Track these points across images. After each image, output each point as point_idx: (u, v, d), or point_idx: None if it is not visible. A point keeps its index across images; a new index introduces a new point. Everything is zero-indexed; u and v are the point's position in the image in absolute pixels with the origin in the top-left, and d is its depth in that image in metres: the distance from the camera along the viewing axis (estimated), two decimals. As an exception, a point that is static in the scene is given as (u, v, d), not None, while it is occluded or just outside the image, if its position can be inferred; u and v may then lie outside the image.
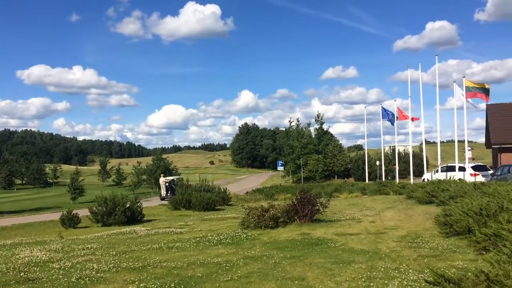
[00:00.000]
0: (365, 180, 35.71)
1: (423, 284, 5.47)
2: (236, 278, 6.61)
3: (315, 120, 50.31)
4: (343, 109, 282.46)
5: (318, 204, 13.41)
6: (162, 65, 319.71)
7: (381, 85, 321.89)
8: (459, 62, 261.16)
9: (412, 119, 27.69)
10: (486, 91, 21.41)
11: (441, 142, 25.29)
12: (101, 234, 13.71)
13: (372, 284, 5.89)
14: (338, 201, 23.77)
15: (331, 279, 6.32)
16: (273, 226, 12.28)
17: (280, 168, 48.89)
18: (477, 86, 21.48)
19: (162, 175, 35.66)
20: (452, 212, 10.36)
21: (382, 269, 6.70)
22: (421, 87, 26.76)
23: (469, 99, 21.55)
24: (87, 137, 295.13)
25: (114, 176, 78.45)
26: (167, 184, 31.77)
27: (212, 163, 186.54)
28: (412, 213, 14.65)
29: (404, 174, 39.98)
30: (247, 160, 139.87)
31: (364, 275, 6.36)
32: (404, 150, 49.52)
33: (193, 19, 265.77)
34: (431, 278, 4.70)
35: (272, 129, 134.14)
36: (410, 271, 6.53)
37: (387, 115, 29.29)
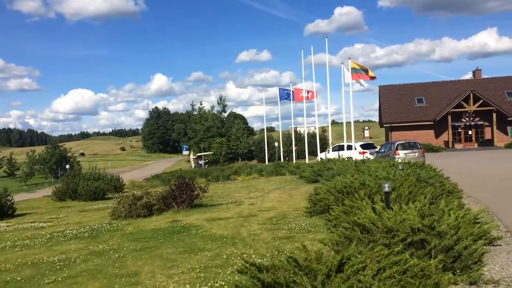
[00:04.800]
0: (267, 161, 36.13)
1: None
2: (61, 279, 5.87)
3: (218, 103, 49.59)
4: (257, 92, 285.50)
5: (198, 189, 12.97)
6: (67, 46, 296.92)
7: (294, 67, 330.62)
8: (364, 46, 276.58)
9: (310, 98, 28.16)
10: (371, 76, 22.31)
11: (346, 123, 25.90)
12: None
13: (204, 274, 5.49)
14: (234, 183, 23.66)
15: (166, 271, 5.82)
16: (147, 215, 11.60)
17: (186, 152, 47.94)
18: (362, 67, 22.28)
19: (192, 152, 45.01)
20: (319, 191, 10.44)
21: (226, 256, 6.36)
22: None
23: (355, 81, 22.30)
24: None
25: (5, 167, 71.45)
26: (194, 158, 42.39)
27: (123, 149, 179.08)
28: (295, 193, 14.80)
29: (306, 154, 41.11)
30: (159, 145, 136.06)
31: (203, 265, 5.96)
32: (308, 131, 50.83)
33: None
34: (245, 266, 4.36)
35: (183, 113, 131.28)
36: (253, 256, 6.26)
37: (284, 95, 29.63)
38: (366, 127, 73.34)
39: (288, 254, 6.03)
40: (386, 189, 6.89)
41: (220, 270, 5.60)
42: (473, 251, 4.84)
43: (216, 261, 6.13)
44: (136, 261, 6.57)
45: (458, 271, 4.58)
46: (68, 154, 53.99)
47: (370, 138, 62.73)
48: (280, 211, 10.85)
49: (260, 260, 5.89)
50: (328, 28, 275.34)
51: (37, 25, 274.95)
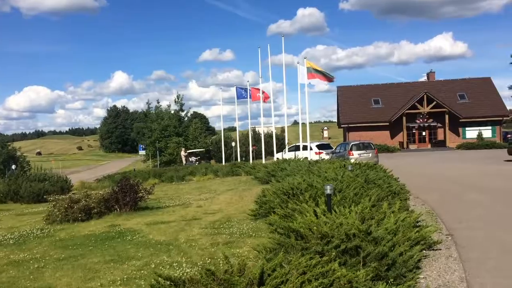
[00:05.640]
0: (226, 161, 35.58)
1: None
2: (-38, 295, 5.20)
3: (175, 102, 48.51)
4: (220, 91, 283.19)
5: (142, 191, 12.35)
6: (22, 41, 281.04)
7: (257, 68, 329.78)
8: (326, 48, 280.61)
9: (264, 100, 27.96)
10: (327, 77, 22.22)
11: (302, 123, 25.76)
12: None
13: (123, 288, 4.99)
14: (188, 184, 23.04)
15: (84, 284, 5.28)
16: (85, 219, 10.87)
17: (142, 152, 46.76)
18: (318, 68, 22.18)
19: (183, 149, 41.72)
20: (266, 192, 10.09)
21: (154, 266, 5.87)
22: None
23: (311, 80, 22.15)
24: None
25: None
26: (185, 156, 39.95)
27: (80, 148, 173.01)
28: (246, 195, 14.41)
29: (265, 154, 40.87)
30: (117, 145, 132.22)
31: (126, 276, 5.45)
32: (267, 131, 50.62)
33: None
34: (158, 280, 3.90)
35: (143, 111, 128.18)
36: (184, 265, 5.81)
37: (242, 94, 29.23)
38: (326, 128, 74.29)
39: (221, 262, 5.63)
40: (328, 191, 6.61)
41: (143, 283, 5.11)
42: (408, 258, 4.59)
43: (142, 272, 5.63)
44: (55, 272, 5.96)
45: (392, 280, 4.30)
46: (18, 154, 51.57)
47: (329, 138, 63.51)
48: (226, 214, 10.44)
49: (189, 270, 5.46)
50: (291, 29, 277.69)
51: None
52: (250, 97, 28.56)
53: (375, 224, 5.44)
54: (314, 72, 21.72)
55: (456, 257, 5.49)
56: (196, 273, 4.43)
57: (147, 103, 57.87)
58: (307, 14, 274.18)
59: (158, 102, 50.27)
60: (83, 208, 10.95)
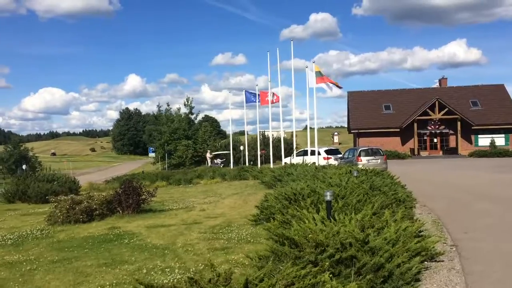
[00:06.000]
0: (234, 165, 35.48)
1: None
2: None
3: (184, 105, 48.59)
4: (232, 95, 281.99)
5: (145, 193, 12.25)
6: (38, 44, 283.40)
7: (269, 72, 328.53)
8: (338, 53, 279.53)
9: (274, 101, 27.76)
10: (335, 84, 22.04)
11: (318, 128, 25.59)
12: None
13: (110, 293, 4.84)
14: (195, 187, 22.94)
15: (72, 289, 5.15)
16: (86, 220, 10.80)
17: (152, 154, 46.93)
18: (323, 74, 22.00)
19: (208, 151, 42.44)
20: (269, 197, 9.92)
21: (146, 271, 5.73)
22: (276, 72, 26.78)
23: (323, 84, 21.95)
24: None
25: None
26: (211, 157, 40.86)
27: (93, 150, 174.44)
28: (251, 199, 14.23)
29: (274, 159, 40.63)
30: (129, 147, 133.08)
31: (116, 281, 5.32)
32: (277, 135, 50.39)
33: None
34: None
35: (154, 114, 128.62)
36: (176, 270, 5.65)
37: (251, 98, 29.12)
38: (336, 133, 73.81)
39: (214, 269, 5.45)
40: (328, 197, 6.43)
41: (131, 288, 4.97)
42: (406, 270, 4.37)
43: (133, 277, 5.48)
44: (46, 275, 5.86)
45: (387, 293, 4.10)
46: (30, 154, 52.12)
47: (340, 143, 63.05)
48: (227, 218, 10.28)
49: (180, 276, 5.30)
50: (303, 34, 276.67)
51: (7, 21, 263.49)
52: (259, 101, 28.40)
53: (374, 233, 5.24)
54: (323, 76, 21.51)
55: (459, 269, 5.25)
56: (182, 281, 4.27)
57: (157, 106, 58.47)
58: (320, 19, 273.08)
59: (168, 105, 50.54)
60: (85, 210, 10.88)
